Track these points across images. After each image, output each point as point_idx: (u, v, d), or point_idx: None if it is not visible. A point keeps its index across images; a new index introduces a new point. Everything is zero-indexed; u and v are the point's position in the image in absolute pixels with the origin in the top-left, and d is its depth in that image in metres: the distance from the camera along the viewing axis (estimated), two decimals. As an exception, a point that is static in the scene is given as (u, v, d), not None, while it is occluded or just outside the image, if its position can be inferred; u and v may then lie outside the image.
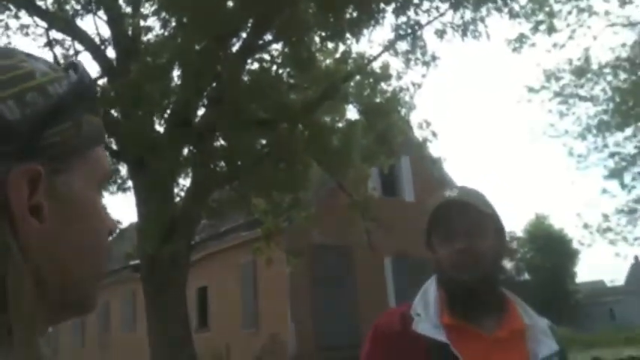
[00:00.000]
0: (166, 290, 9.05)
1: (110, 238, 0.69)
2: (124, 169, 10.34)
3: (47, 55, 8.99)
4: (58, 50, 10.02)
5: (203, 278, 18.06)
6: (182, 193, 9.79)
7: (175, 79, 9.08)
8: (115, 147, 9.28)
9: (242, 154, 8.93)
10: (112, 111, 8.98)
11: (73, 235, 0.60)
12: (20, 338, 0.54)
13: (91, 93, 0.64)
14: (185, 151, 9.45)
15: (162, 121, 9.19)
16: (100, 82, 9.20)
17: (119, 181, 10.36)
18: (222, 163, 9.43)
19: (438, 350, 1.57)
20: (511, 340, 1.62)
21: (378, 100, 9.78)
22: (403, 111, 10.22)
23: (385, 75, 9.53)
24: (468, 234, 1.61)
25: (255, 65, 9.14)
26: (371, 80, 9.52)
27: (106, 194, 10.59)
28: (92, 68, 9.38)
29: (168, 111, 9.07)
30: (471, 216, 1.61)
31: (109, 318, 23.79)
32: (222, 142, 9.58)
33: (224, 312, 18.07)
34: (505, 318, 1.66)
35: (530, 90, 18.10)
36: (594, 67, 17.43)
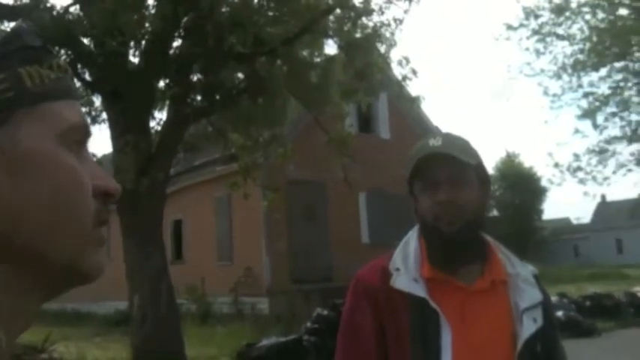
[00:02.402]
0: (143, 223, 9.06)
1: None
2: (98, 101, 10.12)
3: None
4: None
5: (178, 211, 18.10)
6: (158, 127, 9.65)
7: (151, 8, 8.82)
8: (88, 78, 9.06)
9: (219, 87, 8.80)
10: (85, 41, 8.71)
11: (26, 190, 0.57)
12: None
13: (34, 47, 0.61)
14: (161, 83, 9.29)
15: (138, 52, 8.97)
16: (72, 9, 8.87)
17: (93, 113, 10.15)
18: (199, 97, 9.29)
19: (417, 304, 1.56)
20: (492, 290, 1.61)
21: (358, 35, 9.62)
22: (383, 47, 10.09)
23: (367, 9, 9.34)
24: (451, 185, 1.58)
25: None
26: (352, 14, 9.34)
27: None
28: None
29: (144, 42, 8.84)
30: (454, 167, 1.58)
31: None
32: (200, 75, 9.40)
33: (199, 245, 18.23)
34: (487, 267, 1.64)
35: (509, 27, 17.98)
36: (573, 5, 17.35)
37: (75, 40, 8.50)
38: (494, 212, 33.70)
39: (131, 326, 9.27)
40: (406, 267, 1.62)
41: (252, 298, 15.84)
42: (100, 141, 30.61)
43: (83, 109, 10.26)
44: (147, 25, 8.61)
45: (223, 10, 8.69)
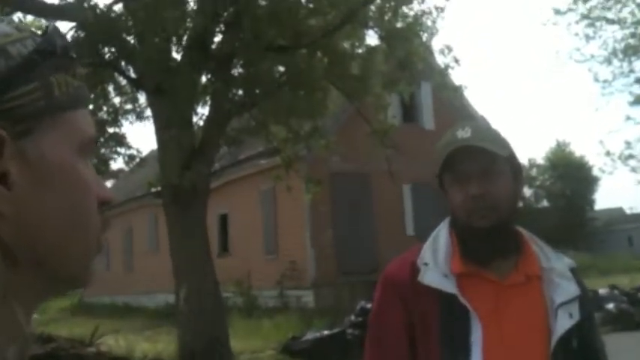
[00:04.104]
0: (188, 217, 9.17)
1: (107, 210, 0.65)
2: (142, 98, 10.30)
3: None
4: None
5: (224, 205, 18.31)
6: (201, 122, 9.75)
7: (192, 4, 8.91)
8: (132, 74, 9.21)
9: (260, 81, 8.83)
10: (129, 38, 8.85)
11: (48, 203, 0.57)
12: None
13: (64, 53, 0.59)
14: (203, 78, 9.37)
15: (180, 48, 9.07)
16: (116, 7, 9.03)
17: (137, 109, 10.34)
18: (241, 91, 9.34)
19: (447, 301, 1.52)
20: (526, 284, 1.57)
21: (399, 24, 9.51)
22: (425, 36, 9.95)
23: (407, -2, 9.23)
24: (482, 178, 1.53)
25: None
26: (392, 4, 9.23)
27: (125, 123, 10.62)
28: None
29: (185, 37, 8.93)
30: (484, 160, 1.53)
31: (133, 242, 24.37)
32: (241, 69, 9.45)
33: (245, 238, 18.39)
34: (521, 261, 1.59)
35: (557, 12, 17.51)
36: (624, -12, 16.78)
37: (119, 37, 8.64)
38: (545, 203, 33.02)
39: (178, 319, 9.41)
40: (436, 262, 1.59)
41: (297, 291, 15.91)
42: (146, 137, 31.15)
43: (129, 106, 10.51)
44: (188, 21, 8.69)
45: (262, 3, 8.71)
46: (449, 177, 1.59)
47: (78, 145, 0.59)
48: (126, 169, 14.10)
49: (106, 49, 8.70)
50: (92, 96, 9.34)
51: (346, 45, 10.16)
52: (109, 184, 33.74)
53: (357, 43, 10.10)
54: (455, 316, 1.51)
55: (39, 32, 0.60)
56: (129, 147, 9.96)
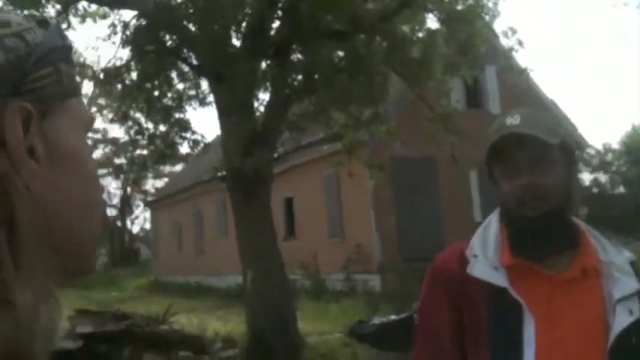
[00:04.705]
0: (251, 201, 9.33)
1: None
2: (205, 84, 10.53)
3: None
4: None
5: (289, 189, 18.52)
6: (262, 108, 9.89)
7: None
8: (194, 62, 9.43)
9: (319, 66, 8.86)
10: (190, 25, 9.04)
11: (65, 185, 0.58)
12: (31, 276, 0.53)
13: (65, 44, 0.63)
14: (263, 65, 9.48)
15: (239, 35, 9.20)
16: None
17: (200, 95, 10.58)
18: (299, 77, 9.41)
19: (497, 294, 1.47)
20: (583, 279, 1.50)
21: (459, 7, 9.31)
22: (486, 18, 9.69)
23: (467, -20, 9.02)
24: (532, 167, 1.48)
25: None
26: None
27: (189, 109, 10.90)
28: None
29: (244, 24, 9.05)
30: (534, 148, 1.48)
31: (203, 225, 24.99)
32: (299, 55, 9.51)
33: (310, 222, 18.56)
34: (577, 255, 1.53)
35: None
36: None
37: (179, 24, 8.84)
38: (621, 189, 31.68)
39: (245, 301, 9.62)
40: (485, 253, 1.54)
41: (363, 275, 15.95)
42: (209, 123, 31.78)
43: (192, 92, 10.75)
44: (246, 8, 8.80)
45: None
46: (497, 166, 1.55)
47: (84, 128, 0.62)
48: (192, 153, 14.43)
49: (168, 37, 8.92)
50: (156, 82, 9.62)
51: (406, 29, 10.05)
52: (178, 167, 34.66)
53: (417, 27, 9.96)
54: (506, 310, 1.46)
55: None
56: (193, 132, 10.21)
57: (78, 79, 0.65)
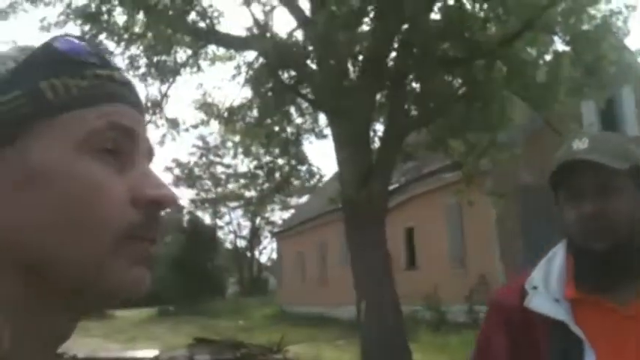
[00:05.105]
0: (366, 232, 9.30)
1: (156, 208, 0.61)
2: (322, 118, 10.73)
3: (244, 13, 9.49)
4: (257, 7, 10.54)
5: (410, 219, 18.30)
6: (377, 139, 9.89)
7: (366, 24, 9.09)
8: (311, 96, 9.62)
9: (435, 95, 8.73)
10: (308, 61, 9.27)
11: (35, 204, 0.56)
12: None
13: (64, 59, 0.60)
14: (378, 96, 9.50)
15: (355, 68, 9.28)
16: (297, 33, 9.53)
17: (316, 129, 10.79)
18: (416, 106, 9.32)
19: (558, 329, 1.38)
20: None
21: (585, 27, 8.84)
22: (615, 38, 9.13)
23: (592, -1, 8.56)
24: (598, 195, 1.38)
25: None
26: (576, 6, 8.62)
27: (305, 143, 11.15)
28: (289, 22, 9.72)
29: (361, 57, 9.13)
30: (600, 174, 1.37)
31: (326, 255, 25.24)
32: (415, 84, 9.43)
33: (431, 252, 18.20)
34: None
35: None
36: None
37: (298, 62, 9.08)
38: None
39: (359, 332, 9.58)
40: (547, 285, 1.47)
41: (486, 307, 15.33)
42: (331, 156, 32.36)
43: (307, 124, 10.96)
44: (363, 42, 8.88)
45: (435, 17, 8.63)
46: (562, 193, 1.46)
47: (78, 141, 0.58)
48: (311, 185, 14.73)
49: (286, 74, 9.19)
50: (276, 118, 9.93)
51: (531, 51, 9.69)
52: (303, 199, 35.46)
53: (541, 49, 9.57)
54: (567, 346, 1.38)
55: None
56: (310, 165, 10.42)
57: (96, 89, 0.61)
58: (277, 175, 10.35)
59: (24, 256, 0.55)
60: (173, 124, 10.66)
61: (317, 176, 10.54)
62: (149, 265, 0.61)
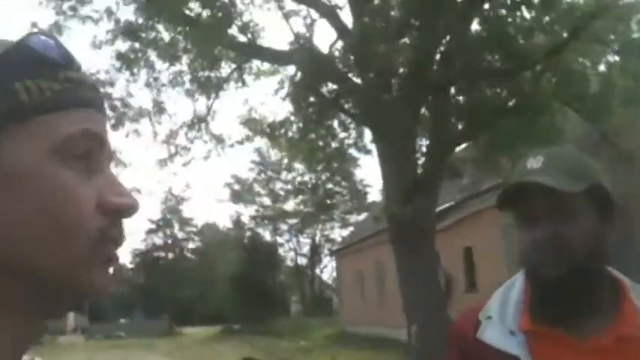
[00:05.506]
0: (415, 252, 9.10)
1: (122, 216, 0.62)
2: (366, 132, 10.63)
3: (283, 26, 9.58)
4: (298, 20, 10.60)
5: (468, 238, 17.84)
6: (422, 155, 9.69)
7: (408, 37, 8.97)
8: (353, 110, 9.56)
9: (480, 108, 8.49)
10: (349, 75, 9.22)
11: (9, 208, 0.56)
12: None
13: (38, 61, 0.59)
14: (422, 110, 9.34)
15: (397, 82, 9.17)
16: (338, 45, 9.50)
17: (360, 143, 10.71)
18: (460, 120, 9.10)
19: None
20: (618, 349, 1.25)
21: (635, 35, 8.45)
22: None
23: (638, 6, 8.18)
24: (550, 219, 1.25)
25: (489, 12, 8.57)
26: (624, 14, 8.26)
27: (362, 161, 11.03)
28: (329, 34, 9.73)
29: (402, 71, 9.02)
30: (552, 198, 1.25)
31: (384, 274, 24.94)
32: (459, 97, 9.22)
33: (491, 273, 17.62)
34: (615, 319, 1.27)
35: None
36: None
37: (338, 75, 9.05)
38: None
39: (410, 356, 9.34)
40: (502, 315, 1.34)
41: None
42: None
43: (350, 139, 10.87)
44: (405, 55, 8.76)
45: (479, 28, 8.43)
46: (514, 215, 1.33)
47: (52, 146, 0.58)
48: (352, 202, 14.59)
49: (326, 88, 9.17)
50: (318, 133, 9.91)
51: (583, 62, 9.34)
52: (362, 216, 35.27)
53: (592, 59, 9.21)
54: None
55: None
56: (354, 181, 10.29)
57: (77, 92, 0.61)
58: (320, 192, 10.28)
59: (6, 259, 0.56)
60: (218, 140, 10.79)
61: (362, 193, 10.38)
62: (116, 266, 0.63)
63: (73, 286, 0.59)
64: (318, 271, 47.90)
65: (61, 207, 0.57)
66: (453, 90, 9.07)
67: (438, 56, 8.89)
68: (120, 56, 9.22)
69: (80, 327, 54.21)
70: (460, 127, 9.06)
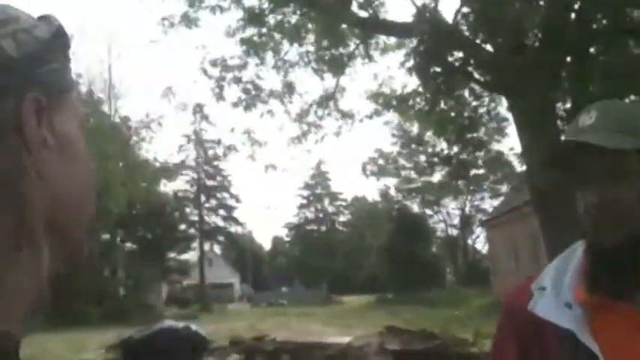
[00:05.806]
0: (557, 223, 8.58)
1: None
2: (501, 100, 10.11)
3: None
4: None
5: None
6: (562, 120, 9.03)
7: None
8: (484, 78, 9.12)
9: (624, 67, 7.71)
10: (476, 41, 8.77)
11: (70, 171, 0.61)
12: (30, 253, 0.57)
13: (65, 42, 0.66)
14: (562, 73, 8.68)
15: (532, 44, 8.57)
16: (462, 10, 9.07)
17: (493, 112, 10.21)
18: (602, 82, 8.34)
19: (567, 338, 1.16)
20: None
21: None
22: None
23: None
24: (605, 181, 1.12)
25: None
26: None
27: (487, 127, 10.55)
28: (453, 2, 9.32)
29: (537, 33, 8.41)
30: (606, 157, 1.11)
31: (539, 246, 23.90)
32: (600, 57, 8.43)
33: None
34: None
35: None
36: None
37: (466, 41, 8.65)
38: None
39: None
40: (558, 286, 1.22)
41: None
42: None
43: (482, 109, 10.39)
44: (539, 15, 8.16)
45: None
46: (571, 178, 1.22)
47: (80, 122, 0.65)
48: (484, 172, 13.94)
49: (453, 56, 8.81)
50: (451, 103, 9.59)
51: None
52: (504, 187, 33.69)
53: None
54: (579, 357, 1.15)
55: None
56: (488, 150, 9.84)
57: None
58: (454, 162, 9.97)
59: (59, 220, 0.60)
60: (348, 115, 10.83)
61: (498, 162, 9.93)
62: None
63: (78, 249, 0.63)
64: (470, 241, 46.95)
65: (92, 174, 0.65)
66: (593, 50, 8.30)
67: (573, 15, 8.19)
68: (245, 41, 9.51)
69: (246, 295, 57.63)
70: (602, 88, 8.30)
